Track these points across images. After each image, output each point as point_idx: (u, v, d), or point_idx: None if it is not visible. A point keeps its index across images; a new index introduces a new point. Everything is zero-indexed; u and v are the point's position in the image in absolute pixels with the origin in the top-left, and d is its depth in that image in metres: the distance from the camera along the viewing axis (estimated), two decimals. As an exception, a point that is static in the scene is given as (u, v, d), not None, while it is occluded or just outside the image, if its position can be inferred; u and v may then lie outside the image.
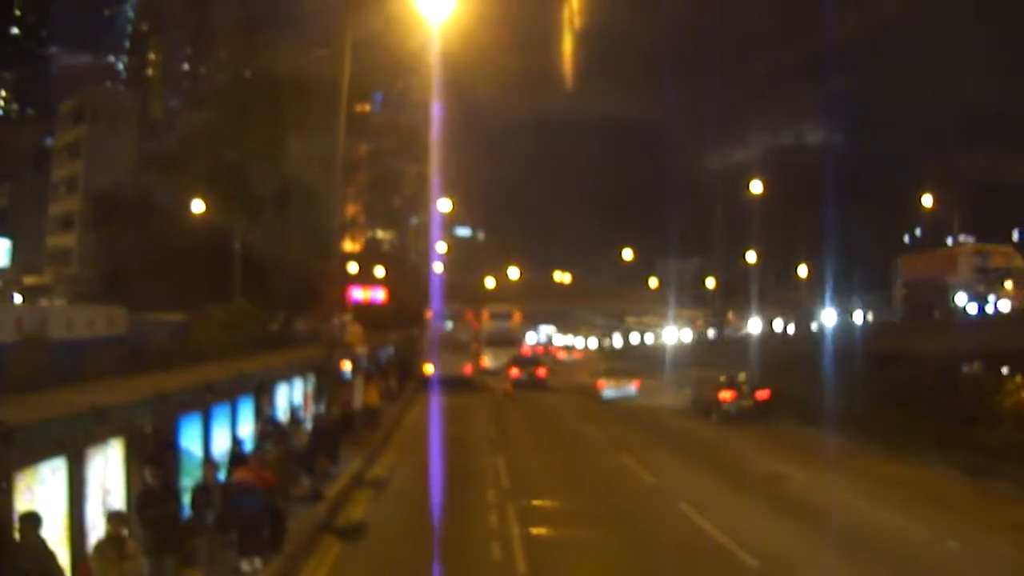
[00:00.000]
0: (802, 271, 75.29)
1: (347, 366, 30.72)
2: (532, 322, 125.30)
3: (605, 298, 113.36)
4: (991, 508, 19.07)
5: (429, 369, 44.99)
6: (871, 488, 20.91)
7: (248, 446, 16.35)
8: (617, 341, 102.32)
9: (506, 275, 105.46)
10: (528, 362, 51.29)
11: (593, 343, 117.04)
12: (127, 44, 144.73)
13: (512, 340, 54.60)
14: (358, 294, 54.09)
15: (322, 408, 22.91)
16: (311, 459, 18.55)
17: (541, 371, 49.53)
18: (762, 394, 33.40)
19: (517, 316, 56.82)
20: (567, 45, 51.55)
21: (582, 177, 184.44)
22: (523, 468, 23.47)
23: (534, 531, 16.68)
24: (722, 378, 34.82)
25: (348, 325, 34.39)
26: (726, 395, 33.46)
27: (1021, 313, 55.05)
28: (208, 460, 14.24)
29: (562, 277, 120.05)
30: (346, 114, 22.26)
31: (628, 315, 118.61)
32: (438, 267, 67.38)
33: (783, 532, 16.92)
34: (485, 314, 51.59)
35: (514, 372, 46.54)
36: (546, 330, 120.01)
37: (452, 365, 45.14)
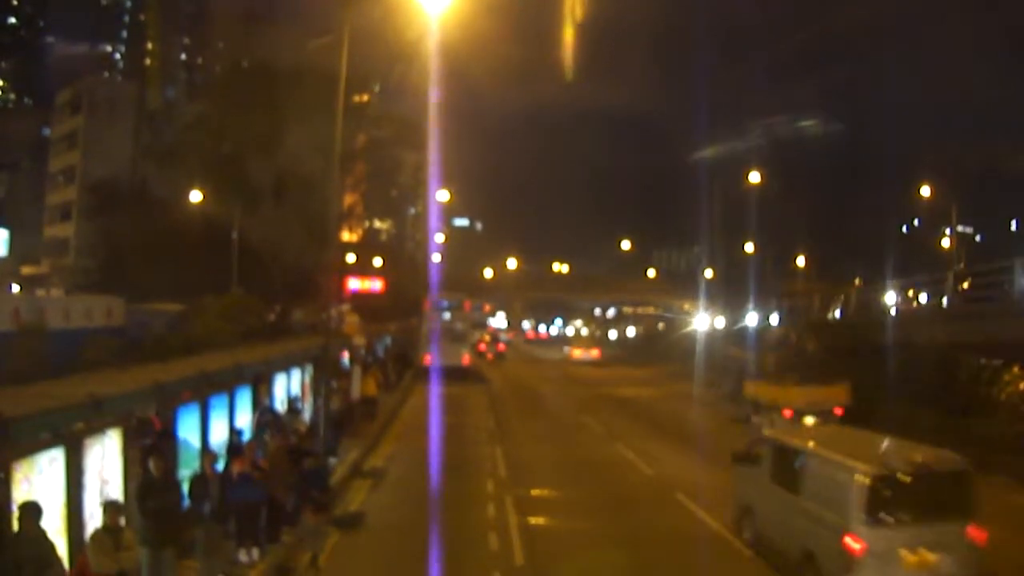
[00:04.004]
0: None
1: (345, 356, 30.78)
2: (529, 313, 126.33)
3: (603, 288, 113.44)
4: (989, 500, 19.08)
5: (427, 359, 45.08)
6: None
7: (247, 436, 16.39)
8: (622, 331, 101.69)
9: (504, 265, 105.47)
10: (495, 340, 72.40)
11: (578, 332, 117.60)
12: (125, 34, 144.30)
13: (483, 323, 74.65)
14: (356, 284, 54.15)
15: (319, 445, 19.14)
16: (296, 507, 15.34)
17: (501, 346, 71.35)
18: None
19: (487, 307, 76.34)
20: (567, 36, 51.34)
21: (581, 168, 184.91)
22: (521, 458, 23.53)
23: (532, 521, 16.73)
24: None
25: (346, 315, 34.40)
26: None
27: None
28: (206, 450, 14.26)
29: (560, 267, 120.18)
30: (344, 104, 22.15)
31: (626, 305, 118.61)
32: (436, 257, 67.39)
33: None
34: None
35: (481, 346, 63.24)
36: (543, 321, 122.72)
37: (450, 355, 45.23)
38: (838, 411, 25.38)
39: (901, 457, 12.51)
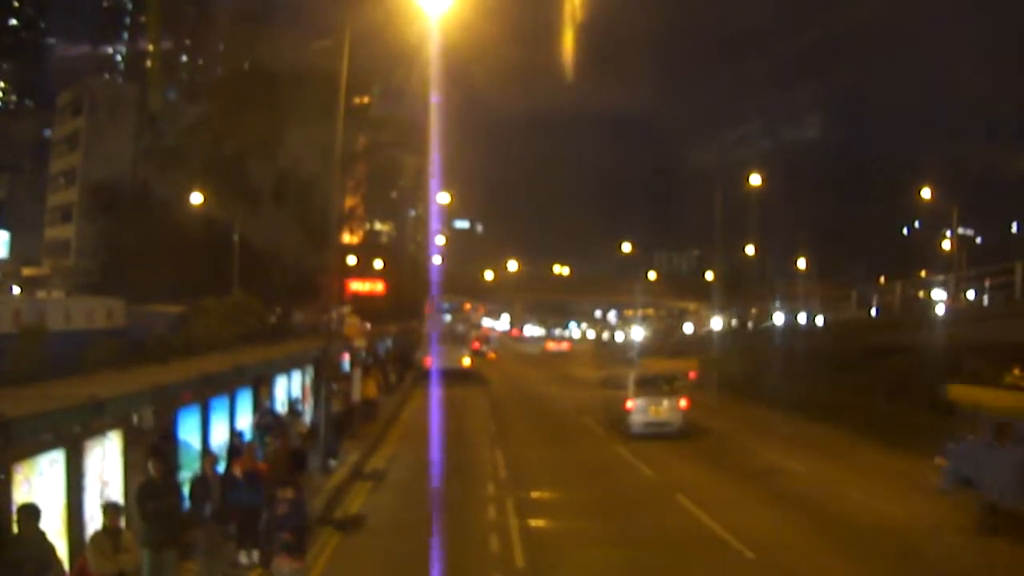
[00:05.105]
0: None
1: (346, 359, 30.76)
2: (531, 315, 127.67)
3: (603, 290, 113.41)
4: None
5: (428, 361, 45.04)
6: (868, 480, 20.95)
7: (248, 438, 16.37)
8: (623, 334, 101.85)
9: (505, 267, 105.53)
10: (488, 339, 77.32)
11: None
12: (126, 35, 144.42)
13: (478, 324, 72.52)
14: (356, 286, 54.11)
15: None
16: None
17: (492, 351, 75.87)
18: None
19: (481, 309, 77.21)
20: (567, 38, 51.26)
21: (581, 170, 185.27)
22: (521, 461, 23.51)
23: (532, 523, 16.71)
24: None
25: (346, 317, 34.41)
26: None
27: None
28: (207, 452, 14.24)
29: (561, 269, 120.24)
30: (345, 106, 22.18)
31: (627, 307, 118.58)
32: (437, 259, 67.40)
33: (780, 524, 16.95)
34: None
35: (476, 345, 61.81)
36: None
37: (451, 357, 45.19)
38: (692, 375, 41.46)
39: (652, 370, 32.53)
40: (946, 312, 31.28)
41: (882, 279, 57.34)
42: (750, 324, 55.34)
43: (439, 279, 58.46)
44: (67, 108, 78.33)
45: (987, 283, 29.47)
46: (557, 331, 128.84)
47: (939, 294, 34.12)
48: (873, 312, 35.63)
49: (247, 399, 18.25)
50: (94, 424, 11.10)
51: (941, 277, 36.94)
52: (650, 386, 28.31)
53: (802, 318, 44.81)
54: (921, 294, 36.47)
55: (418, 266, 71.84)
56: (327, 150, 24.99)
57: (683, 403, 27.81)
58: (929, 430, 24.01)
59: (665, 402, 27.71)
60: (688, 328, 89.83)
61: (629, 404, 27.31)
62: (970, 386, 18.81)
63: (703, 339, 60.38)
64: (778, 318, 46.10)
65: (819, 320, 42.91)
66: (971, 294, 31.66)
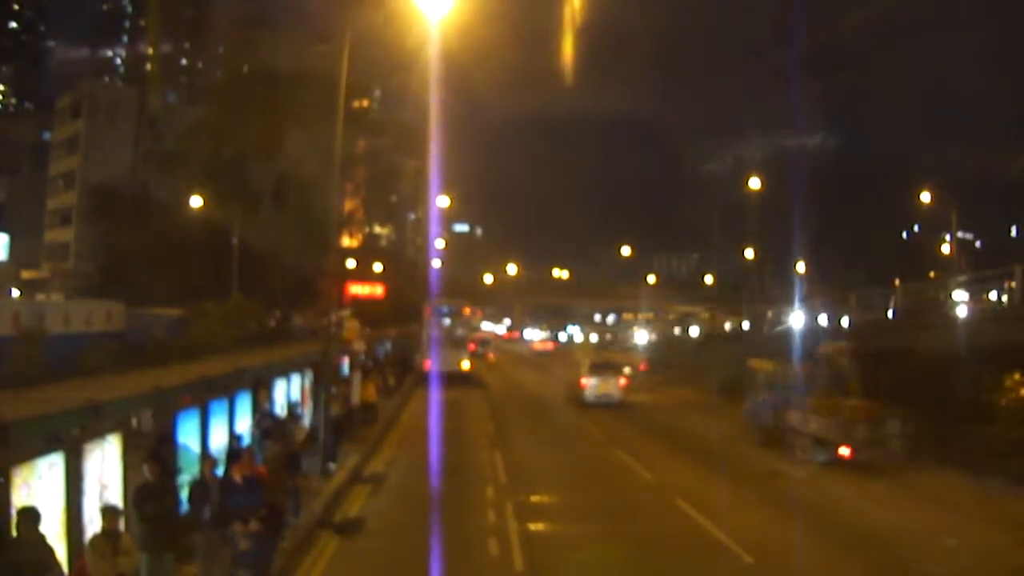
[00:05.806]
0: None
1: (345, 362, 30.73)
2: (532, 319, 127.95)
3: (603, 294, 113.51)
4: (989, 505, 19.06)
5: (427, 364, 45.04)
6: (868, 485, 20.93)
7: (247, 441, 16.34)
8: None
9: (504, 271, 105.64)
10: (484, 343, 78.23)
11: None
12: (125, 39, 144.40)
13: (476, 327, 75.95)
14: (356, 290, 54.07)
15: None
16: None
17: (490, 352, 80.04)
18: None
19: (479, 313, 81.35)
20: (567, 42, 51.34)
21: (581, 174, 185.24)
22: (520, 463, 23.50)
23: (531, 527, 16.69)
24: None
25: (346, 321, 34.44)
26: None
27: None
28: (206, 455, 14.21)
29: (560, 273, 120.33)
30: (344, 109, 22.19)
31: (626, 311, 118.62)
32: (436, 263, 67.40)
33: (779, 528, 16.93)
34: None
35: (472, 346, 61.80)
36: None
37: (450, 361, 45.19)
38: (642, 367, 53.55)
39: (603, 358, 44.39)
40: (970, 313, 31.35)
41: (896, 282, 57.38)
42: (765, 327, 55.17)
43: (438, 282, 58.49)
44: (66, 111, 78.29)
45: (1009, 284, 29.42)
46: (544, 334, 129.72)
47: (959, 295, 34.12)
48: (890, 314, 35.71)
49: (246, 402, 18.22)
50: (93, 427, 11.08)
51: (962, 278, 37.01)
52: (600, 368, 38.50)
53: (821, 320, 44.65)
54: (941, 295, 36.51)
55: (417, 269, 71.93)
56: (327, 153, 24.98)
57: (623, 382, 38.56)
58: (941, 435, 23.94)
59: (611, 381, 37.73)
60: (677, 330, 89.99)
61: (583, 382, 37.41)
62: (757, 359, 29.47)
63: (706, 342, 60.38)
64: (796, 320, 45.85)
65: (844, 322, 42.60)
66: (993, 296, 31.77)
